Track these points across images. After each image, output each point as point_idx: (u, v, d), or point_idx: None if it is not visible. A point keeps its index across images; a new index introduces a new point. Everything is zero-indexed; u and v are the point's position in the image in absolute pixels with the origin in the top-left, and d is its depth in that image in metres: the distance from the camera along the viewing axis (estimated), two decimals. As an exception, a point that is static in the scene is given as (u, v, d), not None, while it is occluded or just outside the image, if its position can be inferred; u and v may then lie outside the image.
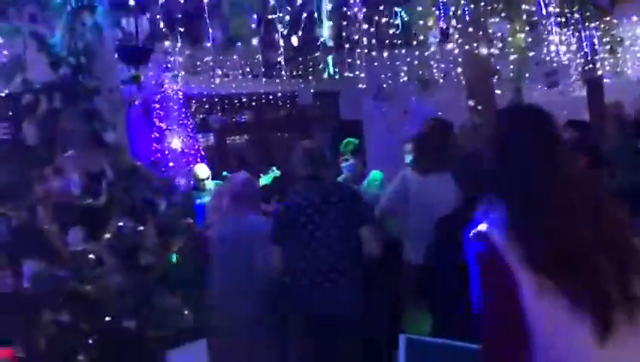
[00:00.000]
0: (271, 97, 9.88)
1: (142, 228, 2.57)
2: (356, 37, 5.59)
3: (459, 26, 5.08)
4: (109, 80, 2.55)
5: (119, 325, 2.30)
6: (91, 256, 2.38)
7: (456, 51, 7.06)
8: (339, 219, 3.25)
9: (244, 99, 9.80)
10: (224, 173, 6.28)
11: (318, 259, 3.23)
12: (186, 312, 2.58)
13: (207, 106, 9.39)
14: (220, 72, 7.79)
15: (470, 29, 5.06)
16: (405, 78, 6.70)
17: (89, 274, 2.35)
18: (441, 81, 6.71)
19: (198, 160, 8.20)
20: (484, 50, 5.29)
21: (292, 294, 3.29)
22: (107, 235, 2.45)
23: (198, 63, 8.47)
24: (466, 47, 5.08)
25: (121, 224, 2.51)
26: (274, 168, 7.81)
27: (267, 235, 3.36)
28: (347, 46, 5.62)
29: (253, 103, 9.91)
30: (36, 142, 2.51)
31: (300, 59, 8.33)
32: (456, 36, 5.11)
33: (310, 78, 9.88)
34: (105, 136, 2.51)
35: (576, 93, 8.56)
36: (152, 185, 2.66)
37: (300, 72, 9.62)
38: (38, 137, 2.48)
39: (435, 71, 6.70)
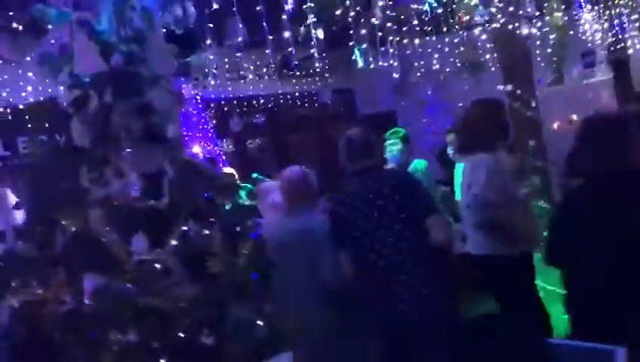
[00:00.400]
0: (289, 97, 9.65)
1: (207, 231, 2.32)
2: (389, 24, 5.34)
3: (501, 5, 4.81)
4: (162, 70, 2.29)
5: (195, 341, 2.04)
6: (157, 265, 2.12)
7: (484, 37, 6.80)
8: (400, 211, 2.94)
9: (262, 101, 9.56)
10: (254, 175, 6.04)
11: (382, 260, 2.93)
12: (260, 323, 2.32)
13: (226, 109, 9.14)
14: (244, 73, 7.57)
15: (511, 8, 4.79)
16: (437, 66, 6.45)
17: (157, 286, 2.09)
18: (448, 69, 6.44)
19: (221, 164, 7.98)
20: (525, 31, 5.01)
21: (362, 303, 2.99)
22: (172, 242, 2.20)
23: (215, 66, 8.26)
24: (510, 26, 4.81)
25: (185, 228, 2.25)
26: (302, 167, 7.54)
27: (328, 236, 3.08)
28: (380, 34, 5.37)
29: (270, 105, 9.68)
30: (87, 142, 2.26)
31: (317, 56, 8.07)
32: (499, 16, 4.84)
33: (327, 75, 9.65)
34: (162, 131, 2.25)
35: (599, 76, 8.22)
36: (214, 183, 2.41)
37: (317, 70, 9.38)
38: (89, 137, 2.22)
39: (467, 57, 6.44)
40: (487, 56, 6.82)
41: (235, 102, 9.24)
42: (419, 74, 6.60)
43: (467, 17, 5.33)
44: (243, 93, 9.32)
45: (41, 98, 6.30)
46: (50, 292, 2.12)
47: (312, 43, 5.51)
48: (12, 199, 7.10)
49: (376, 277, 2.94)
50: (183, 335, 2.04)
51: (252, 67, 8.48)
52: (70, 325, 2.09)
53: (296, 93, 9.68)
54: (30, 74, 5.30)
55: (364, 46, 5.43)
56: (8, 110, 6.57)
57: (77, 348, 2.08)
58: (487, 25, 5.42)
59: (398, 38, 5.71)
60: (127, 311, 2.04)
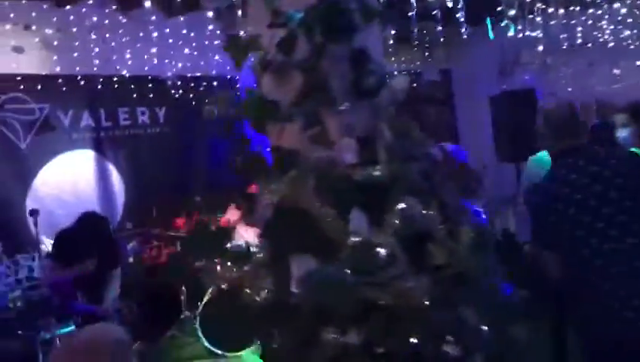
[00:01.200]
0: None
1: (425, 211, 1.87)
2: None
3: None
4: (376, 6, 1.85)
5: (435, 350, 1.61)
6: (380, 250, 1.70)
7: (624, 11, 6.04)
8: (625, 198, 2.38)
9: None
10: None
11: (602, 259, 2.37)
12: (485, 328, 1.86)
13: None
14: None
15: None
16: (580, 41, 5.76)
17: (380, 276, 1.67)
18: (589, 45, 5.71)
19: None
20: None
21: (573, 315, 2.47)
22: (391, 221, 1.76)
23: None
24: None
25: (403, 206, 1.81)
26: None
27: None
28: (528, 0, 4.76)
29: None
30: (279, 95, 1.86)
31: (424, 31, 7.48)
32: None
33: (428, 53, 9.06)
34: (380, 84, 1.82)
35: None
36: (429, 153, 1.96)
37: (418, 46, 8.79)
38: (294, 88, 1.82)
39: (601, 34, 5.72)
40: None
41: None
42: (564, 47, 5.92)
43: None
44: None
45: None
46: (247, 276, 1.74)
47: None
48: (114, 174, 7.00)
49: (594, 281, 2.40)
50: (416, 341, 1.61)
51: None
52: (272, 318, 1.70)
53: (395, 73, 9.18)
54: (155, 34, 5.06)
55: (512, 12, 4.81)
56: (115, 78, 6.41)
57: (279, 348, 1.69)
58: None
59: (544, 6, 5.07)
60: (346, 305, 1.62)
